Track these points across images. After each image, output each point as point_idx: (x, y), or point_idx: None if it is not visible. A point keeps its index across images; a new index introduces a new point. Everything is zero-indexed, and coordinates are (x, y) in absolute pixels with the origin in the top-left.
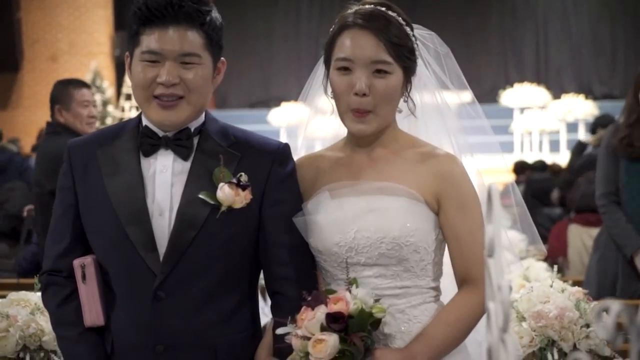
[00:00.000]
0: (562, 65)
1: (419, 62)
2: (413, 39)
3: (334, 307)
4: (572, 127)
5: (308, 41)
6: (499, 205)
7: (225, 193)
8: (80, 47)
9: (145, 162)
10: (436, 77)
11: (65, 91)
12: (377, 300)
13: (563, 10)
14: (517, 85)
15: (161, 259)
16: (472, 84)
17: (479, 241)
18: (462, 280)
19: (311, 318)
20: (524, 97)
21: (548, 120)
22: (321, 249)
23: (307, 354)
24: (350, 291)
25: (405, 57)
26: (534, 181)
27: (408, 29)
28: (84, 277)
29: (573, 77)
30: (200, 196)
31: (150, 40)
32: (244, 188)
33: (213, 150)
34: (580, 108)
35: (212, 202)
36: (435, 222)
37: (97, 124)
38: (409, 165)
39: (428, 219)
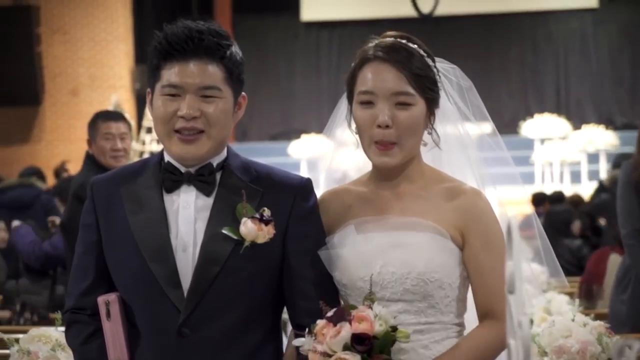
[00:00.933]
0: (583, 95)
1: (442, 94)
2: (435, 70)
3: (359, 327)
4: (593, 158)
5: (328, 74)
6: (519, 239)
7: (248, 228)
8: (101, 80)
9: (168, 198)
10: (459, 109)
11: (93, 124)
12: (395, 318)
13: (583, 41)
14: (537, 116)
15: (185, 295)
16: (493, 115)
17: (502, 277)
18: (484, 315)
19: (334, 335)
20: (544, 128)
21: (569, 151)
22: (346, 282)
23: None
24: (371, 308)
25: (427, 88)
26: (554, 213)
27: (429, 61)
28: (108, 314)
29: (593, 107)
30: (224, 231)
31: (170, 74)
32: (267, 223)
33: (235, 185)
34: (601, 138)
35: (235, 237)
36: (460, 258)
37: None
38: (435, 201)
39: (453, 255)
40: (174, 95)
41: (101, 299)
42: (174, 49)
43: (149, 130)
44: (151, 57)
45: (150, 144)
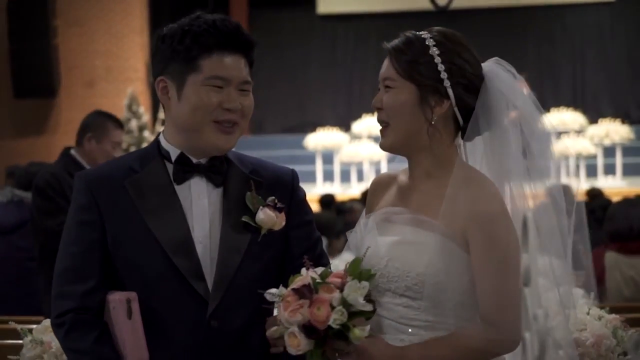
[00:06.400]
0: (599, 89)
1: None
2: (438, 58)
3: (315, 315)
4: (609, 152)
5: (344, 67)
6: (535, 234)
7: (268, 216)
8: (116, 73)
9: (180, 190)
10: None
11: (103, 124)
12: (369, 301)
13: (599, 34)
14: (553, 110)
15: (210, 286)
16: None
17: (496, 285)
18: (480, 318)
19: (292, 311)
20: (560, 121)
21: (585, 145)
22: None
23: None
24: (342, 288)
25: (416, 74)
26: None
27: (435, 49)
28: (129, 312)
29: (610, 101)
30: (244, 219)
31: (216, 66)
32: (280, 210)
33: (239, 176)
34: (617, 132)
35: (254, 225)
36: (469, 263)
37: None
38: (451, 203)
39: (460, 260)
40: (219, 87)
41: (121, 297)
42: (222, 42)
43: (164, 123)
44: (188, 46)
45: None
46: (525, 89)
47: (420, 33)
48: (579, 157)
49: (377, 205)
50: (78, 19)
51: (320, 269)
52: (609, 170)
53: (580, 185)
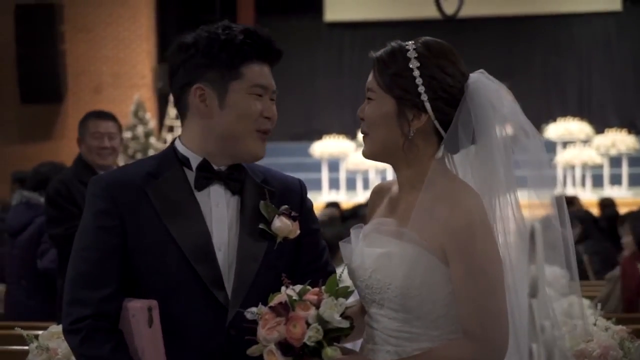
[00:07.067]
0: (605, 99)
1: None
2: (417, 72)
3: (292, 332)
4: (615, 162)
5: (350, 75)
6: (542, 245)
7: (285, 224)
8: (123, 79)
9: (200, 197)
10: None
11: (83, 123)
12: (346, 318)
13: (606, 44)
14: (560, 120)
15: (229, 294)
16: None
17: (476, 299)
18: (463, 333)
19: (270, 329)
20: (567, 131)
21: (591, 155)
22: (351, 279)
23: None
24: (318, 305)
25: (394, 87)
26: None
27: (416, 62)
28: (150, 321)
29: (616, 111)
30: (261, 227)
31: (257, 74)
32: (295, 219)
33: (254, 185)
34: (623, 142)
35: (270, 233)
36: (448, 276)
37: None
38: (430, 216)
39: (440, 272)
40: (260, 96)
41: (142, 305)
42: (261, 51)
43: (170, 129)
44: (231, 54)
45: None
46: (511, 98)
47: (405, 44)
48: (585, 167)
49: (374, 214)
50: (85, 24)
51: (298, 287)
52: (615, 180)
53: (586, 195)
